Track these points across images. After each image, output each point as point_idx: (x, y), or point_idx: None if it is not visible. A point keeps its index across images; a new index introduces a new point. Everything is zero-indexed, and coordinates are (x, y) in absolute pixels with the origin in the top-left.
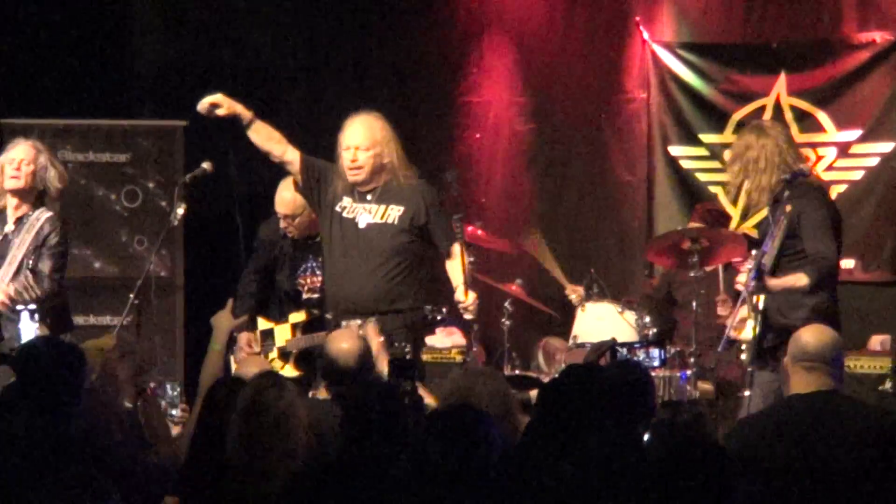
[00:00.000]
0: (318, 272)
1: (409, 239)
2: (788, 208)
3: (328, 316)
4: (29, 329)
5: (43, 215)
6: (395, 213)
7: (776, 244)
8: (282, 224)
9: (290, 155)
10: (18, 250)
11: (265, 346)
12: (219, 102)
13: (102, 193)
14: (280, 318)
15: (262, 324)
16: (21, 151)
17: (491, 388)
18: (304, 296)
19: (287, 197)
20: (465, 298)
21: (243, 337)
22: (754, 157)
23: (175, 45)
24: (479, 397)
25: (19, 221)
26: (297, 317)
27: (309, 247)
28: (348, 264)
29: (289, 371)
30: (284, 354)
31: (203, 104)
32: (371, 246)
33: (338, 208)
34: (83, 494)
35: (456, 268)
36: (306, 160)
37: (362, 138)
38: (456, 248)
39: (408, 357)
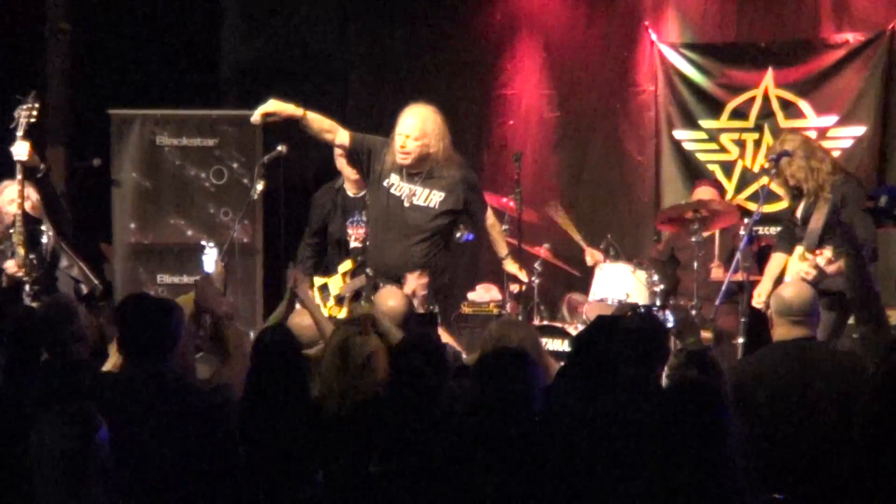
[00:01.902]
0: (362, 224)
1: (444, 221)
2: (830, 194)
3: (369, 272)
4: (210, 261)
5: None
6: (436, 198)
7: (820, 223)
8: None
9: (340, 138)
10: None
11: (323, 298)
12: (271, 111)
13: (194, 173)
14: (332, 271)
15: (318, 280)
16: None
17: (522, 335)
18: (352, 244)
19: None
20: (520, 273)
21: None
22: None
23: (254, 46)
24: (512, 343)
25: None
26: (345, 266)
27: (359, 201)
28: (388, 237)
29: (345, 314)
30: (339, 300)
31: (256, 117)
32: (411, 224)
33: (385, 184)
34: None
35: (499, 241)
36: (355, 139)
37: (414, 129)
38: (490, 216)
39: (433, 311)
